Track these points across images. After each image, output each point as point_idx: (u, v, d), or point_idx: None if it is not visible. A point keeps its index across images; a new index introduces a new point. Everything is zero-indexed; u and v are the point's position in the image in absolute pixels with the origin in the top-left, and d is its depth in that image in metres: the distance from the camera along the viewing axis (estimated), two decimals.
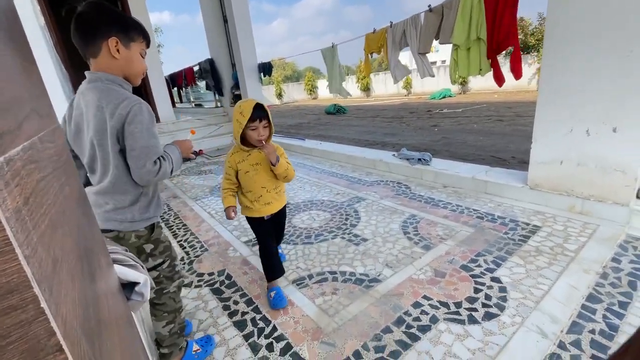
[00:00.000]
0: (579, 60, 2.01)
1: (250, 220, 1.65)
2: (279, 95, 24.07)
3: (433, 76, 3.24)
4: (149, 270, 1.17)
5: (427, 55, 3.26)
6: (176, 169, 1.12)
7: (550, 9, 2.09)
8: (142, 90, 6.40)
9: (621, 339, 1.26)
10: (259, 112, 1.42)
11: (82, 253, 0.40)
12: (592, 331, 1.31)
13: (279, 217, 1.71)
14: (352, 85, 20.96)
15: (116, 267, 0.80)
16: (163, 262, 1.19)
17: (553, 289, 1.56)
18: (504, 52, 2.73)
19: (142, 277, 0.79)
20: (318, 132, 8.51)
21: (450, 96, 14.75)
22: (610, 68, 1.91)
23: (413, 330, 1.39)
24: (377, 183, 3.33)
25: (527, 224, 2.18)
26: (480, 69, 2.70)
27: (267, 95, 23.21)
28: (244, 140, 1.50)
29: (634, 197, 2.03)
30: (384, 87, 20.25)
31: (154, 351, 1.30)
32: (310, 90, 24.21)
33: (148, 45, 1.12)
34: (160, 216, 1.38)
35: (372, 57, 3.83)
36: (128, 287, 0.84)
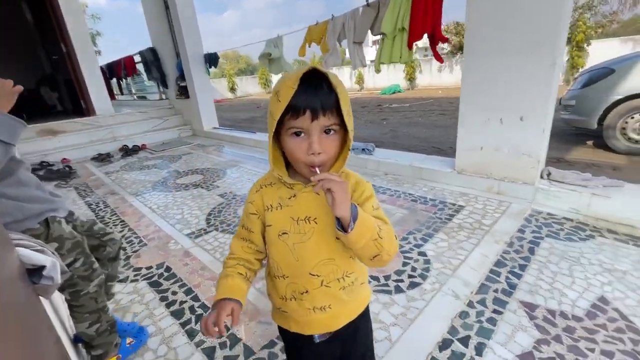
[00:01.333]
0: (493, 58, 2.26)
1: (284, 335, 0.82)
2: (232, 89, 23.35)
3: (365, 66, 3.42)
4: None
5: (361, 45, 3.42)
6: (11, 137, 0.88)
7: (468, 15, 2.32)
8: (74, 82, 5.84)
9: (518, 295, 1.48)
10: (315, 93, 0.59)
11: None
12: (496, 290, 1.52)
13: (350, 342, 0.81)
14: None
15: (20, 250, 0.77)
16: (75, 261, 1.12)
17: (468, 259, 1.77)
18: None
19: (48, 260, 0.77)
20: (265, 126, 8.45)
21: (399, 92, 15.46)
22: (516, 64, 2.17)
23: None
24: None
25: (454, 204, 2.42)
26: (401, 57, 2.92)
27: (219, 89, 22.37)
28: (287, 162, 0.71)
29: (538, 177, 2.34)
30: None
31: (84, 356, 1.25)
32: (265, 84, 23.81)
33: None
34: (70, 214, 1.22)
35: (309, 46, 3.92)
36: (37, 272, 0.81)
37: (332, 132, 0.63)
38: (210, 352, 1.29)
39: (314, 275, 0.69)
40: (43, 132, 5.12)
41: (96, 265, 1.20)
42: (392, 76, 17.11)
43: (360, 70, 17.64)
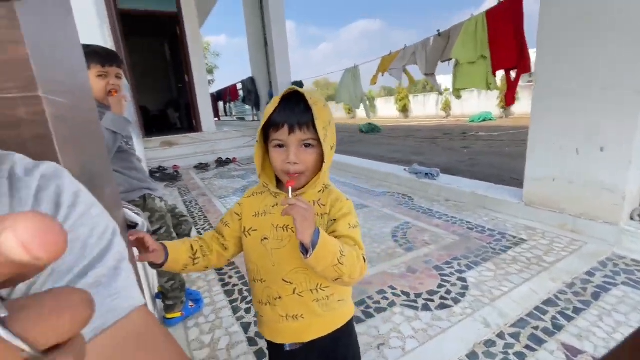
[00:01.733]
0: (565, 83, 2.11)
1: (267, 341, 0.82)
2: None
3: (441, 93, 3.43)
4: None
5: (433, 75, 3.46)
6: (120, 129, 1.25)
7: (539, 41, 2.23)
8: (190, 105, 7.22)
9: (562, 336, 1.35)
10: (292, 110, 0.68)
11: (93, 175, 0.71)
12: (535, 327, 1.41)
13: (331, 355, 0.80)
14: (390, 106, 21.18)
15: (124, 209, 1.14)
16: (160, 228, 1.50)
17: (513, 292, 1.66)
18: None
19: (140, 220, 1.13)
20: (348, 149, 8.80)
21: (490, 119, 14.32)
22: (595, 89, 1.99)
23: (370, 310, 1.58)
24: (384, 194, 3.51)
25: (514, 237, 2.24)
26: (489, 84, 2.83)
27: None
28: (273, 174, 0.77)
29: (623, 217, 2.03)
30: (423, 109, 20.14)
31: (159, 310, 1.63)
32: (349, 110, 24.77)
33: (103, 65, 1.27)
34: (155, 192, 1.52)
35: (382, 75, 4.11)
36: (131, 228, 1.18)
37: (310, 146, 0.69)
38: (246, 326, 1.53)
39: (287, 282, 0.72)
40: (164, 143, 6.43)
41: (174, 235, 1.59)
42: (483, 103, 16.00)
43: (447, 97, 17.01)
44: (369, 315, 1.54)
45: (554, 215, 2.32)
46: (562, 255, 1.97)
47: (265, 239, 0.74)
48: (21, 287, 0.22)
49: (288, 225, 0.73)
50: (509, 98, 2.84)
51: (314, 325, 0.75)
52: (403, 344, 1.35)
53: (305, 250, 0.61)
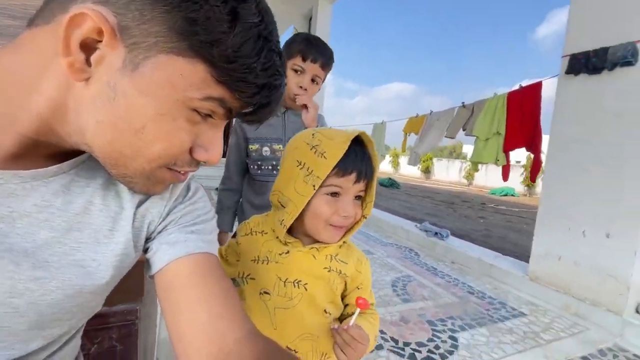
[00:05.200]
0: (575, 168, 2.24)
1: None
2: None
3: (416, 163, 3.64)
4: None
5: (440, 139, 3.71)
6: None
7: (553, 129, 2.41)
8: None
9: None
10: (362, 157, 0.60)
11: None
12: None
13: None
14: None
15: None
16: None
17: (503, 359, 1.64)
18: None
19: None
20: None
21: (512, 195, 14.18)
22: (603, 179, 2.10)
23: None
24: (391, 245, 3.56)
25: (514, 309, 2.22)
26: (497, 160, 3.00)
27: None
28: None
29: (628, 308, 1.99)
30: (446, 173, 20.29)
31: None
32: None
33: (305, 58, 1.10)
34: None
35: (408, 135, 4.36)
36: None
37: (360, 198, 0.62)
38: None
39: (291, 350, 0.61)
40: None
41: None
42: (509, 178, 15.96)
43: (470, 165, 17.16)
44: None
45: (557, 294, 2.30)
46: (561, 335, 1.93)
47: (265, 293, 0.62)
48: (159, 226, 0.41)
49: (300, 281, 0.60)
50: (533, 175, 2.96)
51: None
52: None
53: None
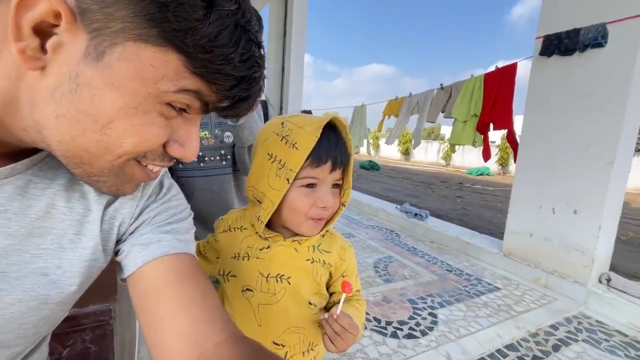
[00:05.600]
0: (548, 148, 2.32)
1: None
2: None
3: (417, 145, 3.69)
4: None
5: (422, 125, 3.74)
6: None
7: (527, 109, 2.47)
8: None
9: None
10: (337, 144, 0.57)
11: None
12: None
13: None
14: (393, 147, 21.74)
15: None
16: None
17: (479, 333, 1.73)
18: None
19: None
20: None
21: (488, 174, 14.70)
22: (572, 158, 2.19)
23: None
24: (373, 227, 3.62)
25: (489, 284, 2.34)
26: (475, 142, 3.06)
27: None
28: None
29: (592, 279, 2.14)
30: (424, 154, 20.69)
31: None
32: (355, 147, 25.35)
33: None
34: None
35: (388, 118, 4.38)
36: None
37: (338, 187, 0.60)
38: None
39: (278, 345, 0.61)
40: None
41: None
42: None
43: (448, 147, 17.56)
44: None
45: (529, 269, 2.43)
46: (531, 307, 2.06)
47: (247, 290, 0.61)
48: (130, 227, 0.39)
49: (283, 275, 0.60)
50: (486, 154, 3.06)
51: None
52: None
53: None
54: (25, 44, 0.25)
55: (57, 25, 0.26)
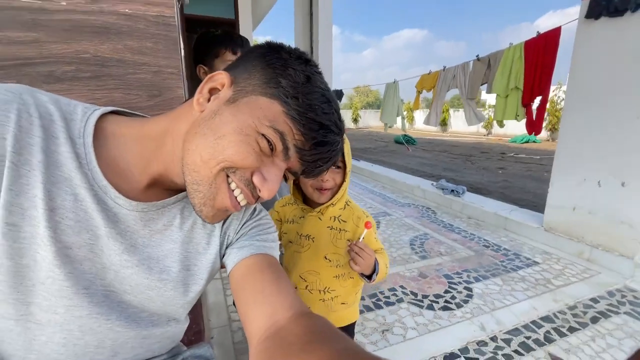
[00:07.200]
0: (593, 118, 2.21)
1: None
2: (355, 120, 25.12)
3: (482, 121, 3.53)
4: None
5: (474, 101, 3.58)
6: None
7: (571, 77, 2.34)
8: None
9: (551, 348, 1.50)
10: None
11: None
12: (528, 337, 1.56)
13: None
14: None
15: None
16: None
17: (514, 305, 1.81)
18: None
19: None
20: (381, 158, 8.95)
21: (534, 142, 13.72)
22: (620, 128, 2.07)
23: (380, 303, 1.81)
24: (409, 205, 3.69)
25: (528, 259, 2.35)
26: (517, 115, 2.95)
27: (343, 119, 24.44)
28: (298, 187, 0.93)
29: (639, 251, 2.08)
30: (463, 124, 19.60)
31: None
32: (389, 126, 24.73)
33: (235, 51, 1.24)
34: None
35: (420, 93, 4.27)
36: None
37: (339, 167, 0.85)
38: None
39: (302, 278, 0.91)
40: None
41: None
42: None
43: (490, 114, 16.49)
44: (378, 307, 1.78)
45: (571, 243, 2.40)
46: (571, 280, 2.07)
47: (290, 242, 0.93)
48: (234, 238, 0.55)
49: (310, 235, 0.89)
50: (537, 127, 2.92)
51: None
52: (404, 333, 1.58)
53: (364, 276, 0.86)
54: (202, 97, 0.45)
55: (220, 90, 0.46)
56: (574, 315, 1.73)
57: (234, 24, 7.25)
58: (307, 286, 0.91)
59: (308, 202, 0.92)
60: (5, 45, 0.63)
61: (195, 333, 0.90)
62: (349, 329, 0.99)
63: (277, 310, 0.45)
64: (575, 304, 1.82)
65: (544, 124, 14.64)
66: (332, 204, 0.88)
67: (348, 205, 0.92)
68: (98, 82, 0.70)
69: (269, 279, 0.50)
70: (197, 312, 0.87)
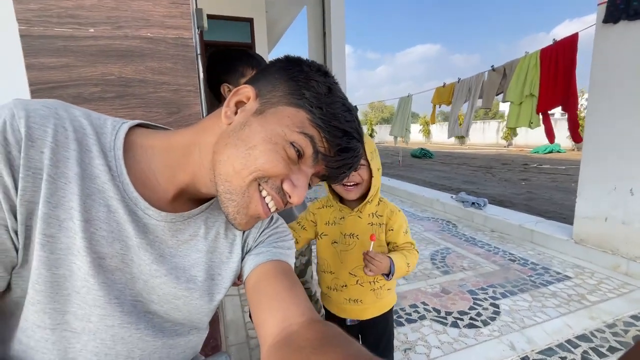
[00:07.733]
0: (619, 124, 2.12)
1: (327, 312, 1.09)
2: (370, 135, 25.18)
3: (464, 136, 3.49)
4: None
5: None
6: None
7: (592, 83, 2.27)
8: None
9: None
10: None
11: None
12: (563, 358, 1.45)
13: (374, 333, 1.07)
14: (446, 131, 20.67)
15: None
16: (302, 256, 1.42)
17: (546, 323, 1.69)
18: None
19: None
20: (398, 172, 8.87)
21: (558, 152, 13.26)
22: None
23: (401, 320, 1.75)
24: (428, 219, 3.60)
25: (559, 273, 2.22)
26: (531, 122, 2.87)
27: None
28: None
29: None
30: (482, 136, 19.29)
31: None
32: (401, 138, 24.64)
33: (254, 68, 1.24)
34: None
35: (439, 107, 4.24)
36: None
37: (362, 166, 0.91)
38: None
39: (352, 274, 0.98)
40: None
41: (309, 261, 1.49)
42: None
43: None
44: (400, 324, 1.71)
45: (605, 255, 2.25)
46: (608, 296, 1.93)
47: (335, 242, 1.00)
48: (253, 245, 0.56)
49: (354, 234, 0.97)
50: (575, 136, 2.83)
51: (370, 308, 1.01)
52: (428, 352, 1.50)
53: (385, 275, 0.91)
54: (229, 110, 0.46)
55: (245, 103, 0.47)
56: (614, 334, 1.60)
57: (250, 48, 7.56)
58: (357, 281, 0.98)
59: (344, 203, 1.00)
60: (39, 71, 0.68)
61: (212, 348, 0.89)
62: (391, 312, 1.08)
63: (290, 316, 0.46)
64: (615, 322, 1.69)
65: (567, 134, 14.18)
66: (368, 201, 0.95)
67: (381, 201, 1.00)
68: (121, 102, 0.74)
69: (283, 285, 0.50)
70: (214, 327, 0.87)
